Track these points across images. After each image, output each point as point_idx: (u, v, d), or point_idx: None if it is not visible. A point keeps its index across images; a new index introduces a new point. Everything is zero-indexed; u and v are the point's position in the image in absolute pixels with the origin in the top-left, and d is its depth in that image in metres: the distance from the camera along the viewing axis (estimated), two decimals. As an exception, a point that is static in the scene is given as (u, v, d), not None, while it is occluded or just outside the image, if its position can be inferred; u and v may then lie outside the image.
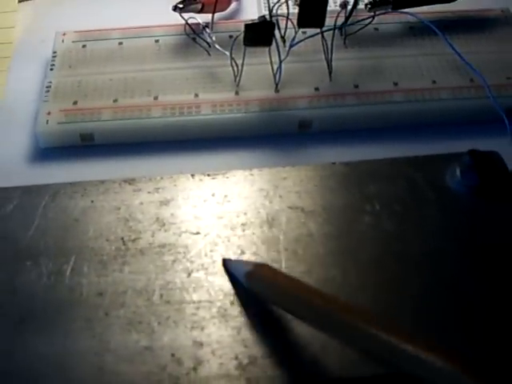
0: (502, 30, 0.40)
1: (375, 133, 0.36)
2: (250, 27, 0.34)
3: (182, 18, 0.38)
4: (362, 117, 0.36)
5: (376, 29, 0.39)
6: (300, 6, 0.34)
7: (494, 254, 0.30)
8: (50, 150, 0.36)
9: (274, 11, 0.36)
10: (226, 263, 0.30)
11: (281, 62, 0.36)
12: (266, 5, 0.42)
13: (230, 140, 0.36)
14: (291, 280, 0.28)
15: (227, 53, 0.36)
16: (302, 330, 0.27)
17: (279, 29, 0.37)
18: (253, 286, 0.28)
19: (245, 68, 0.36)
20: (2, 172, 0.35)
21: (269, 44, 0.35)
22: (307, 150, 0.36)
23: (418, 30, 0.39)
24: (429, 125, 0.36)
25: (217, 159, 0.35)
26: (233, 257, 0.30)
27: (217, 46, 0.37)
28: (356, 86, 0.36)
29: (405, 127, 0.36)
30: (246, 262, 0.29)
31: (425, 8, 0.40)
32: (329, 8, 0.35)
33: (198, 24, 0.38)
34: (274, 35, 0.35)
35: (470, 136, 0.35)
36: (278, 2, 0.36)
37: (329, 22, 0.36)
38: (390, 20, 0.40)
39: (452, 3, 0.40)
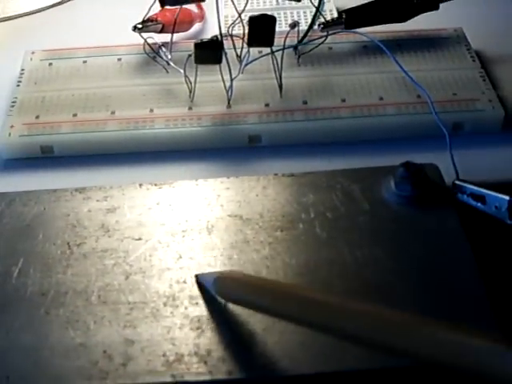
0: (453, 48, 0.41)
1: (322, 147, 0.37)
2: (199, 46, 0.36)
3: (142, 37, 0.40)
4: (309, 132, 0.37)
5: (330, 48, 0.41)
6: (249, 26, 0.36)
7: (422, 262, 0.31)
8: (11, 161, 0.38)
9: (230, 31, 0.38)
10: (198, 278, 0.31)
11: (232, 79, 0.37)
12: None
13: (182, 153, 0.37)
14: (261, 278, 0.30)
15: (181, 70, 0.38)
16: (227, 331, 0.29)
17: (235, 48, 0.39)
18: (222, 291, 0.30)
19: (199, 85, 0.38)
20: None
21: (218, 62, 0.36)
22: (256, 163, 0.37)
23: (371, 49, 0.41)
24: (374, 140, 0.37)
25: (169, 171, 0.37)
26: (170, 261, 0.31)
27: (172, 64, 0.39)
28: (305, 103, 0.38)
29: (351, 142, 0.37)
30: (217, 272, 0.30)
31: (379, 27, 0.41)
32: (281, 28, 0.37)
33: (157, 44, 0.40)
34: (223, 54, 0.36)
35: (413, 151, 0.36)
36: (233, 23, 0.38)
37: (282, 41, 0.38)
38: (344, 39, 0.41)
39: (406, 22, 0.42)
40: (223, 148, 0.37)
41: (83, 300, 0.30)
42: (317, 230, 0.32)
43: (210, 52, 0.36)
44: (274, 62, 0.38)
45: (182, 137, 0.37)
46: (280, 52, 0.38)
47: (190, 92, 0.38)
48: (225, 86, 0.38)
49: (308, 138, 0.37)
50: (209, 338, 0.29)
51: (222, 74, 0.37)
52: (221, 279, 0.30)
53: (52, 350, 0.29)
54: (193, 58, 0.36)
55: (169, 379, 0.28)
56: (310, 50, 0.40)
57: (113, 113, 0.38)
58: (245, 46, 0.39)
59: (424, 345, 0.22)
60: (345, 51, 0.41)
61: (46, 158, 0.37)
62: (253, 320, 0.29)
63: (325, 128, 0.37)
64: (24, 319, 0.30)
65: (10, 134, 0.37)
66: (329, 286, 0.30)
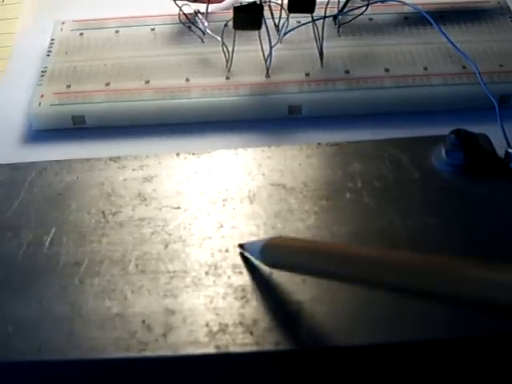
0: (497, 20, 0.40)
1: (365, 118, 0.36)
2: (239, 9, 0.34)
3: (177, 5, 0.38)
4: (351, 102, 0.36)
5: (370, 19, 0.40)
6: (290, -9, 0.35)
7: (475, 231, 0.29)
8: (42, 133, 0.36)
9: (268, -1, 0.37)
10: (242, 247, 0.29)
11: (271, 47, 0.36)
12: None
13: (219, 124, 0.36)
14: (312, 241, 0.28)
15: (219, 38, 0.36)
16: (273, 301, 0.27)
17: (273, 17, 0.38)
18: (269, 258, 0.28)
19: (236, 54, 0.36)
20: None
21: (258, 27, 0.35)
22: (296, 134, 0.36)
23: (413, 20, 0.39)
24: (419, 111, 0.36)
25: (206, 142, 0.35)
26: (211, 230, 0.30)
27: (209, 32, 0.37)
28: (347, 72, 0.36)
29: (395, 113, 0.36)
30: (262, 239, 0.29)
31: (421, -1, 0.40)
32: (323, -3, 0.36)
33: (193, 13, 0.39)
34: (263, 19, 0.35)
35: (459, 122, 0.34)
36: (272, -10, 0.36)
37: (322, 11, 0.36)
38: (384, 10, 0.40)
39: (449, -6, 0.40)
40: (262, 119, 0.36)
41: (120, 269, 0.29)
42: (365, 199, 0.31)
43: (250, 16, 0.34)
44: (315, 30, 0.36)
45: (219, 107, 0.36)
46: (320, 21, 0.37)
47: (227, 61, 0.37)
48: (263, 55, 0.36)
49: (350, 108, 0.36)
50: (254, 308, 0.27)
51: (261, 41, 0.36)
52: (268, 246, 0.28)
53: (87, 320, 0.27)
54: (231, 23, 0.35)
55: (212, 350, 0.26)
56: (350, 21, 0.39)
57: (147, 82, 0.36)
58: (283, 15, 0.38)
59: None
60: (386, 22, 0.40)
61: (77, 129, 0.36)
62: (300, 289, 0.27)
63: (368, 98, 0.36)
64: (57, 289, 0.28)
65: (40, 104, 0.36)
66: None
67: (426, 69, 0.36)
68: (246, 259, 0.29)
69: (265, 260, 0.28)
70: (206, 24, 0.38)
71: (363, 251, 0.25)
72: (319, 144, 0.33)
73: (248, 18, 0.35)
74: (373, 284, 0.24)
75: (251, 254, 0.29)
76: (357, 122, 0.36)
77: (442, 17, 0.39)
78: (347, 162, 0.32)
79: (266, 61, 0.36)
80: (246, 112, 0.36)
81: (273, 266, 0.28)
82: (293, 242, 0.28)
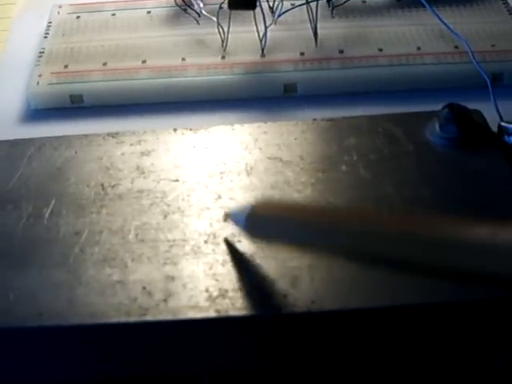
0: (488, 3, 0.40)
1: (359, 96, 0.36)
2: (234, -11, 0.35)
3: (173, -13, 0.39)
4: (346, 80, 0.36)
5: (363, 1, 0.40)
6: (286, -28, 0.35)
7: (469, 203, 0.30)
8: (40, 112, 0.37)
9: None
10: (227, 216, 0.29)
11: (266, 27, 0.36)
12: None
13: (215, 102, 0.36)
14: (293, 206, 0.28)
15: (214, 19, 0.37)
16: (273, 266, 0.28)
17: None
18: (254, 230, 0.28)
19: (231, 35, 0.37)
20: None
21: (253, 7, 0.35)
22: (292, 112, 0.36)
23: (405, 3, 0.40)
24: (413, 89, 0.36)
25: (202, 120, 0.36)
26: (209, 201, 0.30)
27: (204, 13, 0.38)
28: (341, 52, 0.37)
29: (389, 91, 0.36)
30: (247, 206, 0.28)
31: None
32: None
33: (188, -5, 0.40)
34: (258, 0, 0.35)
35: (453, 100, 0.35)
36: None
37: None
38: (378, -7, 0.41)
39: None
40: (258, 98, 0.36)
41: (120, 238, 0.29)
42: (360, 170, 0.31)
43: (245, -4, 0.35)
44: (309, 12, 0.37)
45: (215, 85, 0.36)
46: (314, 3, 0.37)
47: (223, 42, 0.37)
48: (258, 36, 0.37)
49: (345, 86, 0.36)
50: (254, 274, 0.27)
51: (256, 22, 0.36)
52: (253, 216, 0.27)
53: (87, 287, 0.27)
54: (226, 4, 0.35)
55: (213, 314, 0.26)
56: (344, 3, 0.39)
57: (144, 62, 0.37)
58: (278, -3, 0.38)
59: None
60: (379, 5, 0.40)
61: (75, 108, 0.36)
62: (298, 255, 0.28)
63: (362, 76, 0.36)
64: (57, 258, 0.29)
65: (38, 83, 0.36)
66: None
67: (419, 48, 0.37)
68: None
69: (250, 231, 0.28)
70: (201, 5, 0.38)
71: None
72: (314, 120, 0.34)
73: (243, -1, 0.35)
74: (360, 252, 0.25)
75: (236, 224, 0.29)
76: (351, 100, 0.36)
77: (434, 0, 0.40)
78: (342, 137, 0.33)
79: (261, 41, 0.37)
80: (241, 90, 0.36)
81: (258, 237, 0.28)
82: (277, 209, 0.28)
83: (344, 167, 0.31)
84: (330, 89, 0.36)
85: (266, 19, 0.37)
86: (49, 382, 0.29)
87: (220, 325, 0.27)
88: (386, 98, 0.36)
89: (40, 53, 0.38)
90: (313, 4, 0.37)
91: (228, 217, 0.29)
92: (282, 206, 0.28)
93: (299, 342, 0.27)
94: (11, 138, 0.34)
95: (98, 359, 0.28)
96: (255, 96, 0.36)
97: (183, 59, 0.37)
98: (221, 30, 0.37)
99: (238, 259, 0.28)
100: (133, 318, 0.26)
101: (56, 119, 0.36)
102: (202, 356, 0.28)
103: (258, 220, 0.28)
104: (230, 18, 0.36)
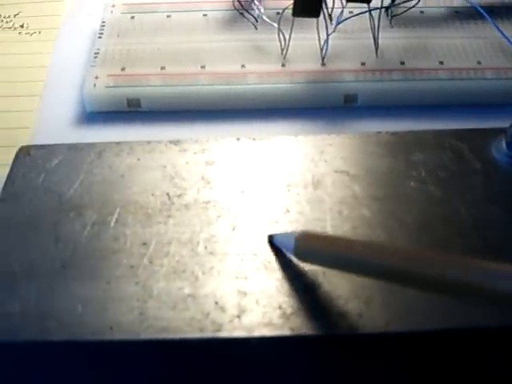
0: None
1: (420, 109, 0.36)
2: (300, -3, 0.34)
3: (233, -8, 0.38)
4: (408, 92, 0.36)
5: (422, 12, 0.40)
6: (349, -19, 0.35)
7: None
8: (95, 115, 0.36)
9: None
10: (272, 238, 0.29)
11: (328, 35, 0.36)
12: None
13: (274, 111, 0.36)
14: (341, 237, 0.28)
15: (275, 24, 0.36)
16: (345, 285, 0.27)
17: (326, 6, 0.38)
18: (303, 252, 0.28)
19: (292, 42, 0.37)
20: (47, 136, 0.35)
21: (317, 15, 0.35)
22: (352, 123, 0.36)
23: (463, 15, 0.40)
24: (473, 104, 0.36)
25: (261, 129, 0.35)
26: (277, 215, 0.30)
27: (265, 18, 0.37)
28: (402, 63, 0.37)
29: (449, 105, 0.36)
30: (290, 232, 0.28)
31: (471, -5, 0.40)
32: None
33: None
34: (322, 7, 0.35)
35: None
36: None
37: (375, 3, 0.36)
38: (435, 4, 0.40)
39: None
40: (317, 108, 0.36)
41: (189, 250, 0.29)
42: (429, 187, 0.31)
43: (309, 4, 0.34)
44: (371, 21, 0.37)
45: (275, 94, 0.36)
46: (374, 12, 0.37)
47: (283, 49, 0.37)
48: (319, 44, 0.36)
49: (406, 99, 0.36)
50: (327, 293, 0.27)
51: (318, 29, 0.36)
52: (302, 240, 0.27)
53: (158, 300, 0.27)
54: (288, 11, 0.35)
55: (287, 332, 0.26)
56: (403, 13, 0.39)
57: (203, 67, 0.36)
58: (337, 5, 0.38)
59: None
60: (437, 15, 0.40)
61: (131, 112, 0.36)
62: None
63: (423, 89, 0.36)
64: (125, 269, 0.28)
65: (95, 85, 0.36)
66: (448, 243, 0.29)
67: (479, 63, 0.37)
68: (277, 253, 0.28)
69: (298, 254, 0.28)
70: (262, 10, 0.38)
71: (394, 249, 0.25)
72: (379, 133, 0.33)
73: (308, 6, 0.35)
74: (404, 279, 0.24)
75: (283, 247, 0.28)
76: (412, 113, 0.36)
77: (493, 11, 0.39)
78: (409, 151, 0.32)
79: (321, 49, 0.36)
80: (301, 99, 0.36)
81: (305, 260, 0.28)
82: (325, 237, 0.28)
83: (412, 183, 0.31)
84: (391, 100, 0.36)
85: (328, 27, 0.36)
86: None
87: (294, 343, 0.26)
88: (447, 111, 0.36)
89: (95, 53, 0.37)
90: (373, 13, 0.37)
91: (273, 239, 0.29)
92: (328, 237, 0.28)
93: (372, 362, 0.27)
94: (66, 141, 0.34)
95: (169, 375, 0.27)
96: (315, 105, 0.36)
97: (243, 66, 0.36)
98: (281, 36, 0.36)
99: (311, 276, 0.28)
100: (206, 334, 0.26)
101: (112, 123, 0.36)
102: (273, 374, 0.27)
103: (307, 249, 0.27)
104: (292, 25, 0.36)
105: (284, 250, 0.28)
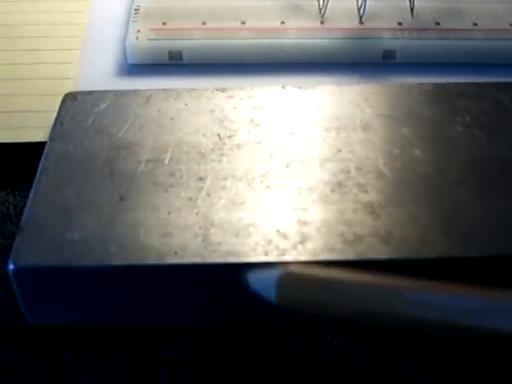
0: None
1: (456, 67, 0.37)
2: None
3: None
4: (443, 51, 0.37)
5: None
6: None
7: None
8: (137, 67, 0.36)
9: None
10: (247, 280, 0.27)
11: (365, -6, 0.37)
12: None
13: (313, 66, 0.36)
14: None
15: (314, -17, 0.37)
16: (404, 213, 0.28)
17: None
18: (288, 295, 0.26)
19: (330, 2, 0.37)
20: (89, 86, 0.35)
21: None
22: (390, 79, 0.36)
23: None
24: (506, 64, 0.37)
25: (300, 83, 0.35)
26: (329, 154, 0.30)
27: (304, -23, 0.38)
28: (437, 23, 0.37)
29: (484, 64, 0.37)
30: (267, 272, 0.27)
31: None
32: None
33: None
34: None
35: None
36: None
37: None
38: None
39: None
40: (356, 63, 0.37)
41: (245, 185, 0.29)
42: (475, 131, 0.31)
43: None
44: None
45: (314, 48, 0.36)
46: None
47: (321, 8, 0.37)
48: (357, 3, 0.37)
49: (442, 57, 0.37)
50: (385, 221, 0.27)
51: (355, -12, 0.37)
52: (285, 283, 0.26)
53: (220, 228, 0.27)
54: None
55: (352, 257, 0.27)
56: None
57: (243, 23, 0.37)
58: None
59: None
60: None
61: (173, 64, 0.36)
62: (430, 204, 0.28)
63: (458, 48, 0.37)
64: (184, 201, 0.28)
65: (137, 38, 0.36)
66: (502, 181, 0.29)
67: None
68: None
69: (281, 301, 0.26)
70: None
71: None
72: (421, 83, 0.34)
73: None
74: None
75: (257, 290, 0.26)
76: (448, 71, 0.36)
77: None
78: (451, 100, 0.33)
79: (359, 9, 0.37)
80: (340, 54, 0.36)
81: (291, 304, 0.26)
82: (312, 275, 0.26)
83: (458, 128, 0.32)
84: (428, 58, 0.37)
85: (362, -13, 0.37)
86: (180, 321, 0.28)
87: (358, 268, 0.27)
88: (482, 69, 0.37)
89: (135, 10, 0.38)
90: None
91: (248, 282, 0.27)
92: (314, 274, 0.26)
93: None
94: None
95: (231, 299, 0.27)
96: (354, 61, 0.37)
97: (282, 22, 0.37)
98: (319, -5, 0.37)
99: (369, 208, 0.28)
100: (271, 258, 0.26)
101: (153, 75, 0.36)
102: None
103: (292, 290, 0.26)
104: (331, -17, 0.37)
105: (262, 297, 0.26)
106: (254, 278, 0.27)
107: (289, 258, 0.26)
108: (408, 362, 0.28)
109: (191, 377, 0.28)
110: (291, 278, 0.26)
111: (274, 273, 0.26)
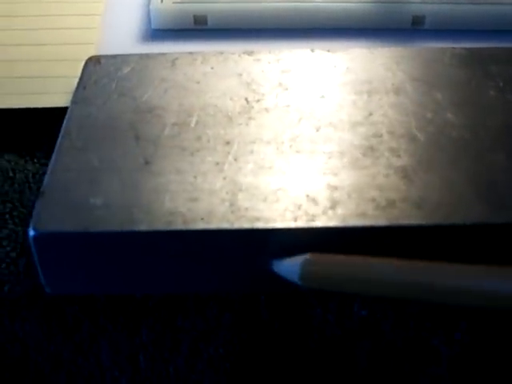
0: None
1: (487, 34, 0.36)
2: None
3: None
4: (475, 16, 0.36)
5: None
6: None
7: None
8: (161, 32, 0.35)
9: None
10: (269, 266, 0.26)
11: (395, -43, 0.36)
12: None
13: (342, 30, 0.35)
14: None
15: None
16: (436, 179, 0.27)
17: None
18: (311, 281, 0.26)
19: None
20: (113, 51, 0.34)
21: None
22: (420, 45, 0.35)
23: None
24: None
25: (330, 47, 0.35)
26: (360, 117, 0.29)
27: None
28: (470, -12, 0.36)
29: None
30: (293, 258, 0.26)
31: None
32: None
33: None
34: None
35: None
36: None
37: None
38: None
39: None
40: (385, 29, 0.36)
41: (273, 149, 0.28)
42: (508, 95, 0.30)
43: None
44: None
45: (342, 12, 0.35)
46: None
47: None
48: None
49: (474, 22, 0.36)
50: (418, 186, 0.27)
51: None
52: (309, 268, 0.25)
53: (248, 193, 0.27)
54: None
55: (383, 223, 0.26)
56: None
57: (270, -13, 0.36)
58: None
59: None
60: None
61: (197, 30, 0.35)
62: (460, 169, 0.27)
63: (489, 13, 0.36)
64: (211, 165, 0.28)
65: (161, 1, 0.35)
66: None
67: (547, -11, 0.37)
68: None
69: (306, 283, 0.26)
70: None
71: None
72: (454, 48, 0.33)
73: None
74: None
75: (283, 274, 0.26)
76: (480, 37, 0.35)
77: None
78: (484, 64, 0.32)
79: (388, -28, 0.36)
80: (370, 19, 0.35)
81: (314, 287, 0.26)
82: (333, 259, 0.26)
83: (491, 92, 0.31)
84: (458, 24, 0.36)
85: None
86: (204, 291, 0.28)
87: (390, 234, 0.26)
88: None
89: (159, -26, 0.37)
90: None
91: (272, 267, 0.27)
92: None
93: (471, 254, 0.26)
94: (132, 56, 0.33)
95: (258, 265, 0.27)
96: (383, 26, 0.36)
97: (310, -13, 0.36)
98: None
99: (401, 173, 0.27)
100: (300, 223, 0.26)
101: (178, 40, 0.35)
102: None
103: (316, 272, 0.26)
104: None
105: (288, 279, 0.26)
106: (279, 264, 0.26)
107: (319, 223, 0.26)
108: (437, 335, 0.27)
109: (214, 349, 0.27)
110: (315, 260, 0.26)
111: (299, 258, 0.26)
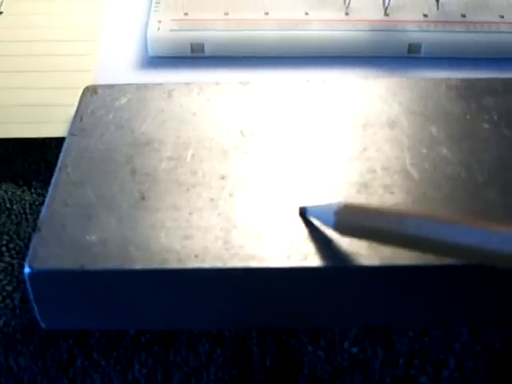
0: None
1: (482, 61, 0.36)
2: None
3: None
4: (470, 44, 0.36)
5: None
6: None
7: None
8: (158, 60, 0.36)
9: None
10: (304, 210, 0.27)
11: (391, -14, 0.36)
12: None
13: (338, 58, 0.36)
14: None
15: (339, -26, 0.36)
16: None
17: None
18: (344, 227, 0.26)
19: (354, -8, 0.37)
20: (110, 79, 0.35)
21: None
22: (415, 73, 0.35)
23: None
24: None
25: (325, 76, 0.35)
26: (355, 152, 0.30)
27: (328, -32, 0.37)
28: (463, 16, 0.37)
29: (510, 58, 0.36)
30: (326, 204, 0.27)
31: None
32: None
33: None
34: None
35: None
36: None
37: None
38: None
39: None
40: (381, 56, 0.36)
41: (267, 184, 0.28)
42: (503, 129, 0.31)
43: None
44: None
45: (338, 40, 0.36)
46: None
47: (345, -1, 0.37)
48: (382, -6, 0.36)
49: (469, 50, 0.36)
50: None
51: (380, -21, 0.36)
52: (343, 213, 0.26)
53: (242, 230, 0.27)
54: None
55: (376, 262, 0.26)
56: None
57: (266, 14, 0.36)
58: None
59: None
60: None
61: (194, 57, 0.36)
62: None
63: (485, 41, 0.36)
64: (206, 201, 0.28)
65: (158, 29, 0.35)
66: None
67: (540, 18, 0.37)
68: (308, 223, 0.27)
69: (339, 229, 0.26)
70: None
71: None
72: (448, 78, 0.33)
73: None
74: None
75: (319, 219, 0.27)
76: (475, 64, 0.36)
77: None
78: (479, 96, 0.32)
79: (384, 0, 0.36)
80: (365, 47, 0.36)
81: (347, 234, 0.26)
82: (365, 209, 0.26)
83: (486, 125, 0.31)
84: (454, 52, 0.36)
85: (388, -22, 0.36)
86: (198, 327, 0.28)
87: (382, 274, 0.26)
88: (509, 63, 0.36)
89: (156, 1, 0.37)
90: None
91: (305, 212, 0.27)
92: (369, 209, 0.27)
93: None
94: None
95: (253, 304, 0.27)
96: (379, 53, 0.36)
97: (306, 13, 0.36)
98: (344, -14, 0.36)
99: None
100: (294, 263, 0.26)
101: (174, 68, 0.35)
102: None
103: (349, 219, 0.26)
104: (355, -25, 0.36)
105: (321, 224, 0.27)
106: (313, 209, 0.27)
107: (311, 264, 0.26)
108: (426, 373, 0.27)
109: (205, 386, 0.27)
110: (349, 207, 0.26)
111: (333, 204, 0.26)
